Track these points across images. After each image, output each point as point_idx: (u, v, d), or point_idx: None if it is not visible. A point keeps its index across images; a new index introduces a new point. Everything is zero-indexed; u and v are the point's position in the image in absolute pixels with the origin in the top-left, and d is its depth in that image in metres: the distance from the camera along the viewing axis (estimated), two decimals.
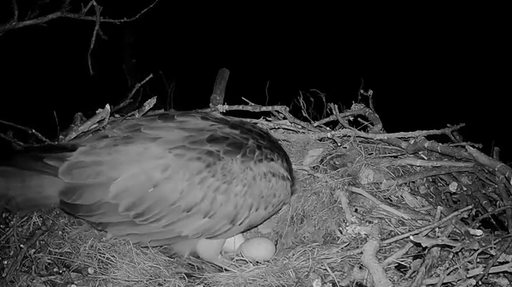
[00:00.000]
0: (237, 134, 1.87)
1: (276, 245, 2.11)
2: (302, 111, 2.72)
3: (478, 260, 1.69)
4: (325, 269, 1.74)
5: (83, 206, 1.72)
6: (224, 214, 1.77)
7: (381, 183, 2.18)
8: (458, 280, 1.65)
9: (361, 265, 1.73)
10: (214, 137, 1.80)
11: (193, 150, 1.73)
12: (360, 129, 2.49)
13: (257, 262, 1.86)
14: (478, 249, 1.63)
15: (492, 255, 1.65)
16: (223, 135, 1.83)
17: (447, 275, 1.64)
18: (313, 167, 2.32)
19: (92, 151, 1.76)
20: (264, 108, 2.69)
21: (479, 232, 1.72)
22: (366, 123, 2.66)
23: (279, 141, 2.29)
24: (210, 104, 2.90)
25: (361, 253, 1.73)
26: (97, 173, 1.71)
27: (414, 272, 1.72)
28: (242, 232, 2.01)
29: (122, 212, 1.70)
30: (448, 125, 2.46)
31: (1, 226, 2.08)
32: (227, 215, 1.78)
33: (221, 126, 1.87)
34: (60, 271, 1.88)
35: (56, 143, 2.21)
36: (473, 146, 2.24)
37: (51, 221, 2.04)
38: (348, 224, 1.90)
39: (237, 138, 1.84)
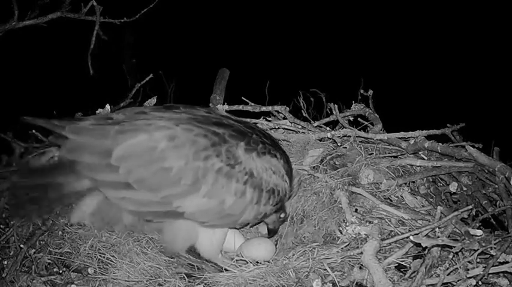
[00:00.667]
0: (242, 126, 1.89)
1: (276, 245, 2.11)
2: (302, 111, 2.72)
3: (478, 260, 1.69)
4: (325, 269, 1.74)
5: (83, 163, 1.70)
6: (222, 198, 1.75)
7: (381, 183, 2.18)
8: (458, 280, 1.65)
9: (361, 265, 1.73)
10: (220, 123, 1.81)
11: (201, 128, 1.74)
12: (360, 129, 2.49)
13: (257, 262, 1.86)
14: (478, 249, 1.63)
15: (492, 255, 1.65)
16: (228, 123, 1.84)
17: (447, 275, 1.64)
18: (313, 167, 2.32)
19: (99, 121, 1.77)
20: (264, 108, 2.69)
21: (479, 232, 1.72)
22: (366, 123, 2.66)
23: (280, 142, 2.29)
24: (210, 104, 2.90)
25: (361, 253, 1.73)
26: (103, 136, 1.70)
27: (414, 272, 1.72)
28: (237, 228, 2.00)
29: (122, 173, 1.68)
30: (448, 125, 2.46)
31: (1, 226, 2.09)
32: (224, 201, 1.76)
33: (225, 118, 1.89)
34: (60, 271, 1.88)
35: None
36: (473, 146, 2.24)
37: (51, 221, 2.04)
38: (348, 224, 1.90)
39: (242, 128, 1.86)
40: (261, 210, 1.85)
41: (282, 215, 2.07)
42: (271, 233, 2.14)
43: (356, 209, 2.06)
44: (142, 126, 1.72)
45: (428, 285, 1.64)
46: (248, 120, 2.56)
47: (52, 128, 1.74)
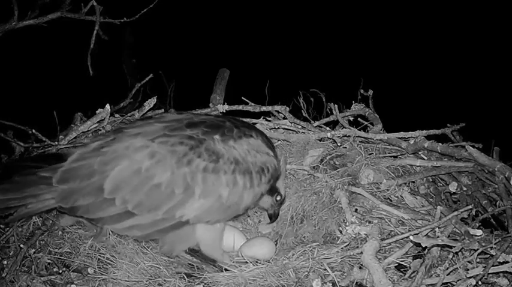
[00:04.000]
0: (213, 118, 1.96)
1: (276, 245, 2.11)
2: (302, 111, 2.72)
3: (478, 260, 1.69)
4: (325, 269, 1.74)
5: (81, 207, 1.76)
6: (217, 194, 1.79)
7: (380, 183, 2.18)
8: (458, 280, 1.65)
9: (361, 265, 1.73)
10: (192, 122, 1.87)
11: (175, 136, 1.80)
12: (360, 130, 2.49)
13: (257, 261, 1.86)
14: (478, 249, 1.64)
15: (492, 255, 1.65)
16: (200, 120, 1.90)
17: (447, 275, 1.64)
18: (313, 167, 2.32)
19: (81, 156, 1.82)
20: (264, 108, 2.69)
21: (479, 232, 1.72)
22: (366, 123, 2.66)
23: (280, 142, 2.30)
24: (210, 104, 2.90)
25: (361, 253, 1.73)
26: (90, 175, 1.76)
27: (414, 272, 1.72)
28: (240, 214, 2.01)
29: (119, 205, 1.74)
30: (448, 125, 2.46)
31: (1, 226, 2.08)
32: (221, 195, 1.80)
33: (196, 115, 1.97)
34: (60, 271, 1.88)
35: (47, 151, 2.30)
36: (473, 146, 2.24)
37: (51, 221, 2.04)
38: (348, 224, 1.90)
39: (214, 121, 1.93)
40: (257, 191, 1.90)
41: (278, 198, 2.09)
42: (273, 217, 2.15)
43: (356, 209, 2.06)
44: (122, 151, 1.78)
45: (428, 285, 1.65)
46: (247, 120, 2.57)
47: (38, 180, 1.79)
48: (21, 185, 1.78)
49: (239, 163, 1.83)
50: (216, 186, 1.79)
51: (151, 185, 1.74)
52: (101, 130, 2.52)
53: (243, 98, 2.74)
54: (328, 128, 2.63)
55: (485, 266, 1.62)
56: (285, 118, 2.63)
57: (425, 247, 1.69)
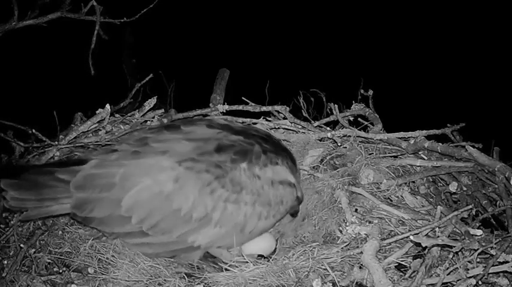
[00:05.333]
0: (242, 140, 1.89)
1: (276, 242, 2.11)
2: (302, 111, 2.72)
3: (478, 260, 1.69)
4: (325, 269, 1.74)
5: (95, 219, 1.75)
6: (234, 223, 1.79)
7: (381, 183, 2.18)
8: (458, 280, 1.65)
9: (361, 264, 1.73)
10: (221, 146, 1.83)
11: (202, 162, 1.76)
12: (360, 129, 2.49)
13: (259, 256, 1.86)
14: (478, 249, 1.63)
15: (492, 255, 1.65)
16: (229, 143, 1.85)
17: (447, 275, 1.64)
18: (314, 167, 2.32)
19: (102, 163, 1.78)
20: (264, 108, 2.69)
21: (479, 232, 1.72)
22: (366, 123, 2.65)
23: (282, 141, 2.28)
24: (210, 104, 2.90)
25: (361, 252, 1.73)
26: (109, 186, 1.73)
27: (414, 272, 1.72)
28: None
29: (135, 224, 1.73)
30: (448, 125, 2.46)
31: (1, 225, 2.09)
32: (237, 224, 1.80)
33: (226, 133, 1.90)
34: (60, 271, 1.88)
35: (68, 158, 2.25)
36: (473, 146, 2.24)
37: (51, 221, 2.04)
38: (348, 224, 1.90)
39: (243, 145, 1.87)
40: (273, 221, 1.90)
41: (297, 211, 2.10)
42: (294, 215, 2.14)
43: (356, 209, 2.06)
44: (146, 168, 1.74)
45: (428, 285, 1.64)
46: (248, 120, 2.57)
47: (55, 182, 1.75)
48: (38, 185, 1.75)
49: (261, 194, 1.83)
50: (234, 216, 1.78)
51: (171, 210, 1.72)
52: (101, 130, 2.52)
53: (243, 98, 2.74)
54: (328, 128, 2.63)
55: (485, 266, 1.61)
56: (285, 118, 2.63)
57: (426, 247, 1.69)
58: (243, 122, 2.54)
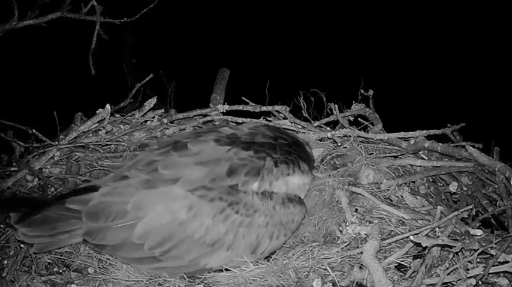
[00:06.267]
0: (252, 155, 1.88)
1: None
2: (302, 111, 2.72)
3: (478, 260, 1.69)
4: (325, 269, 1.74)
5: (107, 246, 1.75)
6: (247, 245, 1.80)
7: (381, 183, 2.18)
8: (458, 280, 1.65)
9: (361, 264, 1.73)
10: (233, 168, 1.81)
11: (215, 190, 1.76)
12: (360, 129, 2.49)
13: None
14: (478, 249, 1.63)
15: (492, 255, 1.65)
16: (241, 163, 1.84)
17: (447, 275, 1.64)
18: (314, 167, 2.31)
19: (114, 191, 1.78)
20: (264, 108, 2.69)
21: (479, 232, 1.72)
22: (366, 123, 2.65)
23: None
24: (210, 104, 2.90)
25: (361, 252, 1.73)
26: (122, 214, 1.73)
27: (414, 272, 1.72)
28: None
29: (147, 250, 1.73)
30: (448, 125, 2.46)
31: (1, 226, 2.08)
32: (250, 246, 1.81)
33: (236, 150, 1.87)
34: (60, 271, 1.88)
35: (77, 188, 2.19)
36: (474, 146, 2.24)
37: None
38: (348, 224, 1.90)
39: (254, 161, 1.86)
40: (285, 239, 1.91)
41: None
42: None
43: (356, 209, 2.06)
44: (159, 197, 1.74)
45: (429, 285, 1.65)
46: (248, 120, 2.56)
47: (66, 212, 1.75)
48: (49, 220, 1.75)
49: (273, 216, 1.83)
50: (247, 239, 1.79)
51: (183, 236, 1.73)
52: (101, 130, 2.52)
53: (243, 98, 2.74)
54: (328, 128, 2.63)
55: (485, 266, 1.62)
56: (285, 118, 2.63)
57: (426, 247, 1.69)
58: (244, 123, 2.52)
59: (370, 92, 2.70)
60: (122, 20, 2.78)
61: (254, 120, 2.60)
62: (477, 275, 1.61)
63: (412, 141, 2.36)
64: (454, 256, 1.68)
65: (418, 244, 1.71)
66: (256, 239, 1.80)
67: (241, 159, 1.84)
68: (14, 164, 2.36)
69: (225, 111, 2.72)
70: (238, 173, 1.80)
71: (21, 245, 1.94)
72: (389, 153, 2.44)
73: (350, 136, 2.43)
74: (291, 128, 2.55)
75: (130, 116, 2.67)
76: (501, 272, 1.68)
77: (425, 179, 2.29)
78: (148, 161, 1.85)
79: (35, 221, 1.75)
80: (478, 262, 1.67)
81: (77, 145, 2.40)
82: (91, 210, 1.74)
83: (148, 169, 1.81)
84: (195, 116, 2.70)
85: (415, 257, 1.80)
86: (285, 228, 1.88)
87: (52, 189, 2.25)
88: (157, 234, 1.72)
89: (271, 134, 2.03)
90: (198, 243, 1.73)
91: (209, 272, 1.80)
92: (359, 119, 2.70)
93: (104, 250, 1.78)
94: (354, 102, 2.77)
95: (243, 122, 2.61)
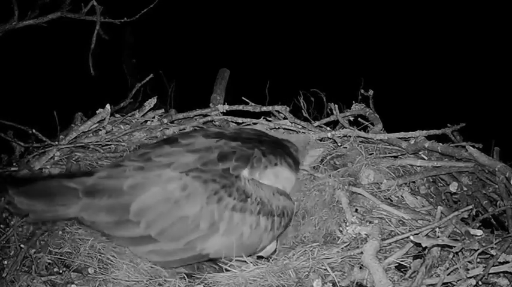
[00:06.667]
0: (241, 145, 1.94)
1: (277, 242, 2.11)
2: (302, 111, 2.72)
3: (478, 260, 1.69)
4: (326, 269, 1.74)
5: (102, 223, 1.76)
6: (240, 232, 1.81)
7: (381, 183, 2.18)
8: (458, 280, 1.65)
9: (362, 265, 1.73)
10: (223, 154, 1.87)
11: (208, 172, 1.80)
12: (360, 130, 2.49)
13: (258, 257, 1.86)
14: (478, 249, 1.63)
15: (492, 255, 1.65)
16: (230, 150, 1.90)
17: (447, 275, 1.64)
18: (314, 167, 2.32)
19: (109, 174, 1.81)
20: (264, 108, 2.69)
21: (479, 232, 1.72)
22: (366, 123, 2.65)
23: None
24: (210, 104, 2.90)
25: (362, 253, 1.73)
26: (118, 193, 1.75)
27: (414, 272, 1.72)
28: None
29: (143, 229, 1.74)
30: (448, 125, 2.46)
31: (1, 226, 2.08)
32: (243, 234, 1.82)
33: (225, 141, 1.94)
34: (60, 271, 1.88)
35: (74, 171, 2.26)
36: (474, 146, 2.24)
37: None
38: (348, 224, 1.90)
39: (244, 150, 1.92)
40: (276, 234, 1.92)
41: None
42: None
43: (356, 209, 2.06)
44: (154, 178, 1.77)
45: (429, 285, 1.64)
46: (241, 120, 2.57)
47: (65, 190, 1.76)
48: (47, 191, 1.76)
49: (264, 204, 1.86)
50: (240, 225, 1.81)
51: (179, 216, 1.75)
52: (101, 130, 2.52)
53: (243, 98, 2.74)
54: (328, 128, 2.63)
55: (485, 266, 1.62)
56: (285, 118, 2.63)
57: (426, 247, 1.69)
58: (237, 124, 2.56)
59: (370, 92, 2.70)
60: (122, 20, 2.77)
61: (254, 120, 2.60)
62: (477, 275, 1.61)
63: (412, 142, 2.37)
64: (454, 256, 1.68)
65: (418, 244, 1.71)
66: (249, 227, 1.82)
67: (231, 147, 1.91)
68: (14, 164, 2.35)
69: (225, 111, 2.72)
70: (228, 158, 1.86)
71: (21, 246, 1.94)
72: (389, 153, 2.44)
73: (350, 136, 2.43)
74: (291, 128, 2.55)
75: (130, 116, 2.67)
76: (501, 272, 1.68)
77: (425, 179, 2.29)
78: (142, 153, 1.90)
79: (33, 191, 1.75)
80: (478, 262, 1.67)
81: (77, 145, 2.40)
82: (88, 188, 1.75)
83: (142, 159, 1.85)
84: (195, 116, 2.70)
85: (415, 258, 1.80)
86: (276, 220, 1.89)
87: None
88: (153, 212, 1.74)
89: (256, 133, 2.12)
90: (192, 224, 1.75)
91: (207, 261, 1.82)
92: (359, 119, 2.70)
93: (100, 226, 1.78)
94: (354, 102, 2.77)
95: (242, 122, 2.62)
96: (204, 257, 1.80)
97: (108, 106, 2.48)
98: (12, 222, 2.09)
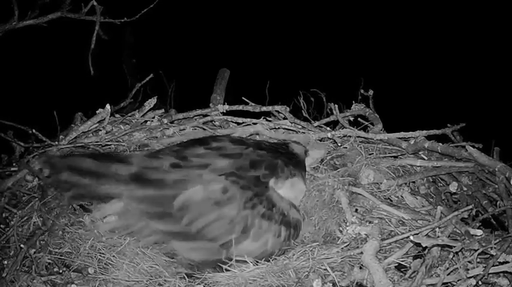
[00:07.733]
0: (267, 154, 2.01)
1: None
2: (302, 111, 2.72)
3: (478, 260, 1.69)
4: (326, 269, 1.74)
5: (148, 213, 1.82)
6: (266, 239, 1.85)
7: (381, 183, 2.18)
8: (458, 280, 1.65)
9: (362, 265, 1.73)
10: (254, 161, 1.94)
11: (244, 178, 1.87)
12: (360, 130, 2.49)
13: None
14: (478, 249, 1.63)
15: (492, 255, 1.65)
16: (260, 158, 1.96)
17: (447, 275, 1.64)
18: (314, 167, 2.32)
19: (149, 165, 1.88)
20: (264, 109, 2.69)
21: (479, 232, 1.72)
22: (366, 123, 2.65)
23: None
24: (210, 104, 2.90)
25: (361, 253, 1.73)
26: (162, 186, 1.82)
27: (414, 272, 1.72)
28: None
29: (185, 224, 1.79)
30: (448, 125, 2.46)
31: (1, 226, 2.08)
32: (267, 241, 1.86)
33: (252, 149, 2.00)
34: (60, 271, 1.88)
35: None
36: (474, 146, 2.24)
37: (51, 221, 2.04)
38: (348, 224, 1.90)
39: (271, 159, 1.99)
40: (289, 245, 1.94)
41: None
42: None
43: (356, 209, 2.06)
44: (196, 177, 1.83)
45: (429, 285, 1.65)
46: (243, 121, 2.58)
47: (112, 174, 1.84)
48: (96, 172, 1.85)
49: (285, 215, 1.91)
50: (267, 232, 1.85)
51: (218, 216, 1.80)
52: (101, 130, 2.52)
53: (243, 98, 2.73)
54: (328, 128, 2.63)
55: (485, 266, 1.61)
56: (285, 118, 2.63)
57: (426, 247, 1.69)
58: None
59: (370, 92, 2.70)
60: (122, 20, 2.77)
61: (254, 120, 2.60)
62: (477, 275, 1.62)
63: (412, 142, 2.37)
64: (454, 256, 1.68)
65: (418, 244, 1.71)
66: (273, 235, 1.86)
67: (259, 155, 1.97)
68: (14, 164, 2.35)
69: (225, 111, 2.72)
70: (258, 166, 1.92)
71: (21, 245, 1.94)
72: (389, 153, 2.44)
73: (350, 136, 2.43)
74: (291, 128, 2.55)
75: (130, 116, 2.67)
76: (501, 272, 1.68)
77: (425, 179, 2.29)
78: (176, 149, 1.97)
79: (81, 168, 1.86)
80: (478, 262, 1.67)
81: (77, 145, 2.40)
82: (133, 176, 1.83)
83: (178, 155, 1.91)
84: (195, 116, 2.70)
85: (415, 257, 1.80)
86: (292, 232, 1.93)
87: (52, 189, 2.25)
88: (196, 208, 1.79)
89: (272, 143, 2.20)
90: (230, 226, 1.80)
91: (226, 262, 1.83)
92: (359, 119, 2.70)
93: (145, 216, 1.82)
94: (354, 102, 2.77)
95: (243, 122, 2.61)
96: (224, 263, 1.82)
97: (108, 106, 2.48)
98: (12, 222, 2.09)
